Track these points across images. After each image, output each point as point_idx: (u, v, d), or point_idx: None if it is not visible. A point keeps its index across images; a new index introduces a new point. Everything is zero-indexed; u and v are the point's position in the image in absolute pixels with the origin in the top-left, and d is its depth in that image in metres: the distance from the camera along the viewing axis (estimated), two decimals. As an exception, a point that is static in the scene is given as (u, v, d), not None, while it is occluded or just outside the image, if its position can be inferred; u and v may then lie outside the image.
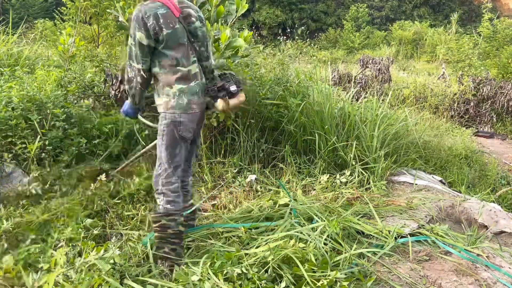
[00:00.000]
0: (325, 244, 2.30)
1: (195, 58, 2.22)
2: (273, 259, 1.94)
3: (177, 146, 2.18)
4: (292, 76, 4.47)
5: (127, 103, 2.33)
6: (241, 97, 2.30)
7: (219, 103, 2.21)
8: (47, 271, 1.88)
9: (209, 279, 1.83)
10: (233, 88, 2.24)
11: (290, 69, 4.96)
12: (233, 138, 3.69)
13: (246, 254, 2.04)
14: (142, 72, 2.11)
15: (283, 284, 1.82)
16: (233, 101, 2.25)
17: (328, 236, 2.38)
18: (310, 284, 1.81)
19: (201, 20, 2.27)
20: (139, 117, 2.41)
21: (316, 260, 2.01)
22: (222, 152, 3.57)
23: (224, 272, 1.87)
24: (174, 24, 2.10)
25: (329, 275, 1.86)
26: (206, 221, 2.70)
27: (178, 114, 2.14)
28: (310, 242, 2.23)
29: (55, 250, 2.05)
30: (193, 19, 2.21)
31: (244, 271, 1.87)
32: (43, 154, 3.02)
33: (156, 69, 2.15)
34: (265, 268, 1.94)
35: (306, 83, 4.23)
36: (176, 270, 2.03)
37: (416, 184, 3.51)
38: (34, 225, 2.35)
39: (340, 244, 2.33)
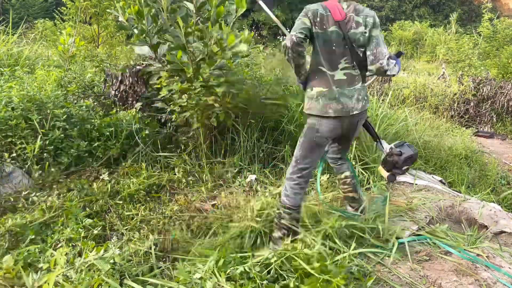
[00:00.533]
0: (324, 245, 2.30)
1: (348, 65, 2.22)
2: (275, 261, 1.94)
3: (311, 150, 2.27)
4: (292, 76, 4.47)
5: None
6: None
7: (384, 172, 2.35)
8: (47, 271, 1.88)
9: (211, 277, 1.83)
10: (404, 167, 2.30)
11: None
12: (233, 138, 3.69)
13: (252, 255, 2.05)
14: (292, 37, 2.07)
15: (291, 284, 1.82)
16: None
17: (327, 236, 2.38)
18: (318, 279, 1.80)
19: (367, 25, 2.22)
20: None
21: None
22: (222, 152, 3.57)
23: (227, 271, 1.88)
24: (328, 26, 2.17)
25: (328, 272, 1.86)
26: (205, 220, 2.69)
27: (317, 120, 2.22)
28: (312, 245, 2.24)
29: (55, 250, 2.05)
30: (354, 24, 2.20)
31: (247, 270, 1.87)
32: (45, 154, 3.03)
33: (308, 66, 2.25)
34: (268, 269, 1.94)
35: None
36: None
37: (416, 184, 3.51)
38: (34, 225, 2.35)
39: (340, 245, 2.33)
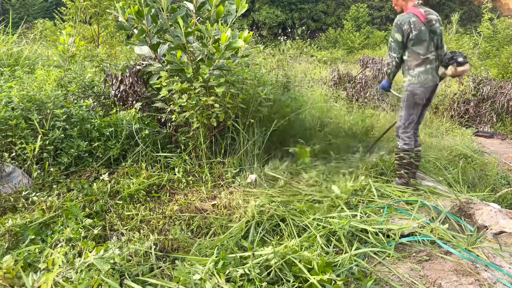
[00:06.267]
0: (327, 246, 2.30)
1: (433, 48, 3.19)
2: (275, 262, 1.94)
3: (413, 109, 3.27)
4: (293, 75, 4.47)
5: (385, 80, 3.52)
6: (466, 67, 3.11)
7: (449, 69, 3.14)
8: (47, 271, 1.88)
9: (210, 278, 1.82)
10: (460, 59, 3.08)
11: (292, 70, 4.96)
12: (233, 138, 3.69)
13: (253, 254, 2.04)
14: (396, 59, 3.27)
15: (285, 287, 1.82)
16: (460, 68, 3.09)
17: (328, 236, 2.38)
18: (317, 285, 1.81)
19: (439, 21, 3.23)
20: (391, 90, 3.53)
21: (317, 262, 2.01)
22: (222, 152, 3.57)
23: (227, 272, 1.87)
24: (420, 27, 3.12)
25: (326, 275, 1.86)
26: (205, 220, 2.70)
27: (417, 87, 3.20)
28: (312, 246, 2.23)
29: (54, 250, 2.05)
30: (434, 22, 3.17)
31: (247, 271, 1.86)
32: (45, 154, 3.02)
33: (405, 57, 3.25)
34: (268, 271, 1.94)
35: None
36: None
37: (419, 183, 3.50)
38: (34, 225, 2.34)
39: (345, 245, 2.33)
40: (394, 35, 3.24)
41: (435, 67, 3.24)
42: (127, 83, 3.77)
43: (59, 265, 1.89)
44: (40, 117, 3.16)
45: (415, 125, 3.33)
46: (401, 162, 3.32)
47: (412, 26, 3.13)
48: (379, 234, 2.49)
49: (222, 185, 3.25)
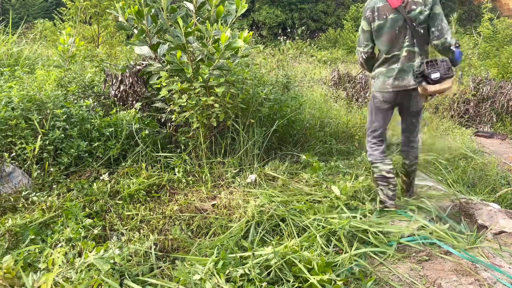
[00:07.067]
0: (327, 246, 2.30)
1: (409, 43, 2.50)
2: (275, 262, 1.94)
3: (374, 114, 2.75)
4: (293, 75, 4.48)
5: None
6: (445, 84, 2.40)
7: (419, 88, 2.48)
8: (47, 271, 1.88)
9: (210, 278, 1.82)
10: (434, 75, 2.39)
11: (292, 70, 4.97)
12: (233, 138, 3.69)
13: (253, 254, 2.04)
14: (362, 54, 2.66)
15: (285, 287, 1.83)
16: (432, 88, 2.41)
17: (328, 236, 2.38)
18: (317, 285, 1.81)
19: (426, 4, 2.44)
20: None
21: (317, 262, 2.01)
22: (222, 152, 3.57)
23: (227, 272, 1.87)
24: (388, 15, 2.48)
25: (326, 275, 1.87)
26: (205, 220, 2.70)
27: (375, 91, 2.69)
28: (312, 246, 2.23)
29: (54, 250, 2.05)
30: (414, 6, 2.45)
31: (247, 271, 1.86)
32: (45, 154, 3.02)
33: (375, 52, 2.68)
34: (268, 271, 1.94)
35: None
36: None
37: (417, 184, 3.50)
38: (34, 225, 2.35)
39: (345, 245, 2.33)
40: (361, 24, 2.62)
41: (408, 67, 2.54)
42: (127, 83, 3.77)
43: (59, 265, 1.89)
44: (40, 117, 3.16)
45: (378, 134, 2.78)
46: (372, 176, 2.81)
47: (376, 13, 2.50)
48: (379, 234, 2.49)
49: (222, 185, 3.25)
